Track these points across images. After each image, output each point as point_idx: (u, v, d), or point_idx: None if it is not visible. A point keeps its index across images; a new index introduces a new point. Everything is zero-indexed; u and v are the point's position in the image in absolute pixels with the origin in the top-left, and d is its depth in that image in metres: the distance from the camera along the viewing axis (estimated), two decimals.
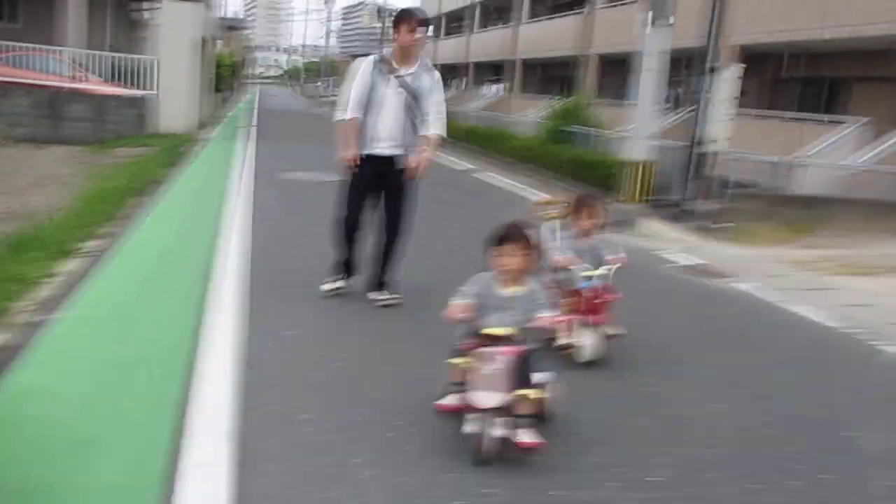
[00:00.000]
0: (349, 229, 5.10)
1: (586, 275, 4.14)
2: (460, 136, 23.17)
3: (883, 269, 8.49)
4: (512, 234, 3.12)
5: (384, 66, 4.95)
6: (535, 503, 2.79)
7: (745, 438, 3.51)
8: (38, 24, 20.57)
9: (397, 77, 4.92)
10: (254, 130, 20.47)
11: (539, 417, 3.13)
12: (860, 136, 13.16)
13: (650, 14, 9.11)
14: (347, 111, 4.93)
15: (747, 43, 17.07)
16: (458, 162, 17.20)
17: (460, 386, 3.05)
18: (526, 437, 2.98)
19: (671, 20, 9.04)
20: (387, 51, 5.22)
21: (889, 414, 4.11)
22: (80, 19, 19.04)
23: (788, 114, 16.00)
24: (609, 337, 4.18)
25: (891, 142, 12.40)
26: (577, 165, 14.28)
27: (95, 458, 2.78)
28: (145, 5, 29.50)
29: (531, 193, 12.75)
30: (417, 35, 4.89)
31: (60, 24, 19.07)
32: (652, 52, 9.09)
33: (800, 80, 17.81)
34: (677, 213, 10.09)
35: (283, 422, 3.21)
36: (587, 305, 4.09)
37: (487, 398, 2.91)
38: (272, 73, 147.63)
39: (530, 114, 23.59)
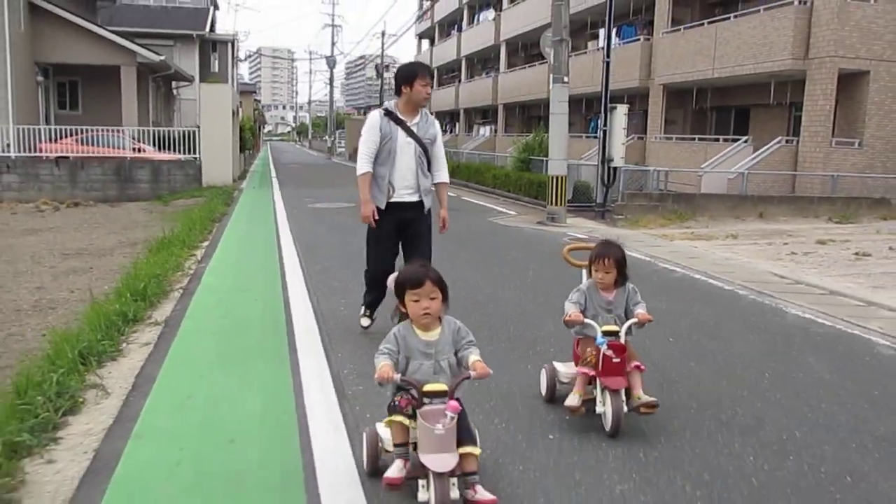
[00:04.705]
0: (379, 280, 4.88)
1: (603, 330, 3.69)
2: (450, 171, 27.34)
3: (718, 237, 12.45)
4: (428, 275, 2.94)
5: (392, 118, 5.06)
6: None
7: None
8: (95, 109, 25.36)
9: (405, 128, 5.06)
10: (275, 181, 24.75)
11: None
12: (743, 150, 17.27)
13: (551, 76, 13.18)
14: (361, 166, 5.07)
15: (667, 82, 21.48)
16: None
17: (402, 448, 2.91)
18: (482, 495, 2.80)
19: (566, 80, 13.05)
20: (389, 103, 5.24)
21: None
22: (131, 102, 23.59)
23: (697, 137, 20.27)
24: (638, 408, 3.63)
25: (760, 153, 16.51)
26: (533, 186, 18.42)
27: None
28: (174, 84, 34.33)
29: (493, 206, 16.88)
30: (429, 88, 5.05)
31: (114, 108, 23.65)
32: (555, 102, 13.15)
33: (713, 109, 22.07)
34: (593, 210, 14.14)
35: None
36: (604, 365, 3.61)
37: (444, 461, 2.70)
38: (280, 130, 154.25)
39: (510, 150, 27.77)
